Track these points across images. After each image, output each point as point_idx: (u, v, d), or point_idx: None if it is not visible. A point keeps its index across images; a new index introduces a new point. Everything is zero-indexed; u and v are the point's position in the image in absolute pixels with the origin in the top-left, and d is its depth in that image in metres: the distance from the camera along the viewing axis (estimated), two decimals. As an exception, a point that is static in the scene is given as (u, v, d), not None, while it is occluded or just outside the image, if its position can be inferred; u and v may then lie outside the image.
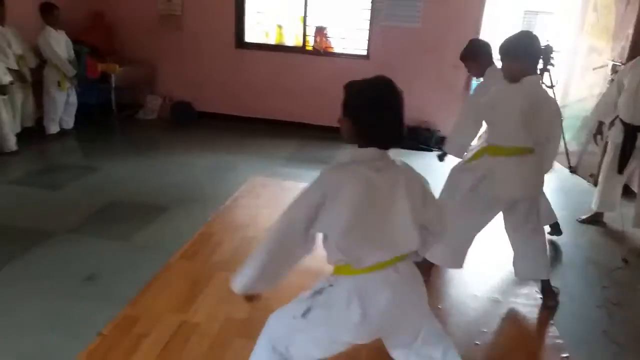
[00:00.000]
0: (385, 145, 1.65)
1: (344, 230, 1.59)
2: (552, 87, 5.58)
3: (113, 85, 5.96)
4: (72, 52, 5.54)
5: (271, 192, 4.49)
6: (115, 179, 4.60)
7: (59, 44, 5.37)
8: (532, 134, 2.68)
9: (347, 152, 1.66)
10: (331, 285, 1.73)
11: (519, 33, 2.82)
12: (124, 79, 6.14)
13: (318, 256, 3.33)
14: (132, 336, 2.49)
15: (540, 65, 4.27)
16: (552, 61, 5.41)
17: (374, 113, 1.59)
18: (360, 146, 1.65)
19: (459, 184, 2.91)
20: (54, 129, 5.51)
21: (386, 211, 1.62)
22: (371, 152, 1.63)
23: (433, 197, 1.77)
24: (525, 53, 2.71)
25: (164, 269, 3.10)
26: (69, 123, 5.69)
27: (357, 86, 1.63)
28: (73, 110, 5.68)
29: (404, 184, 1.63)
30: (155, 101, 6.71)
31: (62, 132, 5.62)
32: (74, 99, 5.63)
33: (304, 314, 1.74)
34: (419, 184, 1.70)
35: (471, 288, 3.15)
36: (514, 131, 2.69)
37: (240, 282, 1.81)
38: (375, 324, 1.67)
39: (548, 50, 5.27)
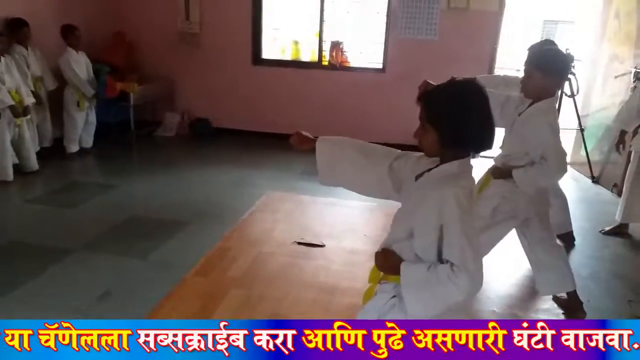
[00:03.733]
0: (482, 149, 1.59)
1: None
2: (572, 96, 5.48)
3: (132, 103, 6.04)
4: (91, 73, 5.64)
5: (287, 207, 4.48)
6: (134, 196, 4.65)
7: (80, 65, 5.48)
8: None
9: (455, 163, 1.57)
10: (397, 296, 1.64)
11: (553, 47, 2.76)
12: (142, 97, 6.23)
13: (333, 272, 3.33)
14: (146, 354, 2.48)
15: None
16: (572, 70, 5.32)
17: (470, 118, 1.52)
18: (455, 155, 1.57)
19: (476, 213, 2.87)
20: (74, 148, 5.60)
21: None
22: (470, 160, 1.60)
23: None
24: (559, 71, 2.67)
25: (178, 286, 3.10)
26: (89, 142, 5.78)
27: (443, 93, 1.57)
28: (92, 129, 5.77)
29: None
30: (173, 118, 6.79)
31: (82, 151, 5.71)
32: (93, 118, 5.72)
33: None
34: None
35: (491, 303, 3.07)
36: (521, 152, 2.71)
37: (322, 139, 1.88)
38: None
39: (569, 60, 5.19)
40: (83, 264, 3.33)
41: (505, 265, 3.51)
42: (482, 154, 1.62)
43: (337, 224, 4.19)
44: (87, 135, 5.75)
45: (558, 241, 3.20)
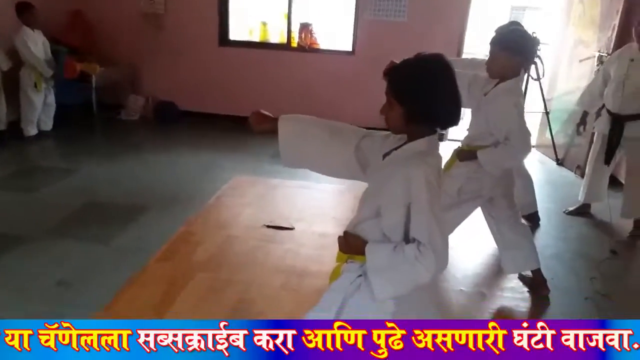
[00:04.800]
0: (449, 125, 1.56)
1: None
2: (538, 79, 5.53)
3: (94, 85, 5.83)
4: (49, 53, 5.41)
5: (256, 191, 4.41)
6: (95, 180, 4.50)
7: (36, 44, 5.24)
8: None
9: (422, 141, 1.53)
10: (363, 275, 1.60)
11: (518, 28, 2.75)
12: (104, 78, 6.02)
13: (303, 256, 3.29)
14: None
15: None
16: (538, 53, 5.36)
17: (437, 92, 1.48)
18: (422, 132, 1.54)
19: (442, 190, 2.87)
20: (32, 131, 5.38)
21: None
22: (437, 137, 1.56)
23: None
24: (524, 52, 2.66)
25: (140, 272, 3.01)
26: (48, 124, 5.56)
27: (409, 68, 1.52)
28: (51, 111, 5.55)
29: None
30: (137, 101, 6.58)
31: (41, 134, 5.49)
32: (51, 100, 5.50)
33: (337, 314, 1.60)
34: None
35: (457, 283, 3.09)
36: (485, 133, 2.72)
37: (285, 117, 1.82)
38: (404, 313, 1.58)
39: (535, 42, 5.23)
40: (40, 252, 3.20)
41: (472, 245, 3.54)
42: (450, 137, 1.59)
43: (307, 207, 4.14)
44: (47, 117, 5.52)
45: (523, 221, 3.24)
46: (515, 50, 2.63)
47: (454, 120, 1.54)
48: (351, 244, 1.60)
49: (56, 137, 5.62)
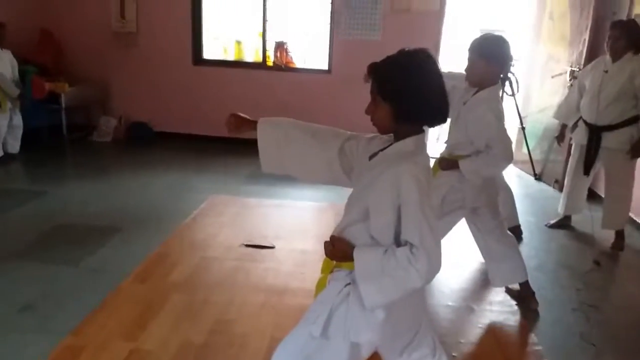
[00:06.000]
0: (437, 122, 1.50)
1: None
2: (513, 95, 5.58)
3: (63, 105, 5.66)
4: (16, 72, 5.23)
5: (233, 211, 4.27)
6: (65, 202, 4.30)
7: (3, 63, 5.07)
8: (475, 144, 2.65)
9: (410, 141, 1.47)
10: (352, 283, 1.50)
11: (495, 35, 2.74)
12: (74, 99, 5.86)
13: (283, 274, 3.17)
14: (75, 369, 2.22)
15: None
16: (512, 70, 5.42)
17: (423, 87, 1.43)
18: (409, 131, 1.48)
19: None
20: None
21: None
22: (424, 137, 1.50)
23: None
24: (501, 57, 2.64)
25: (113, 294, 2.84)
26: (15, 147, 5.34)
27: (393, 64, 1.45)
28: (19, 133, 5.34)
29: None
30: (109, 122, 6.41)
31: (8, 157, 5.26)
32: (18, 121, 5.29)
33: (325, 326, 1.49)
34: None
35: (444, 298, 3.01)
36: (466, 142, 2.67)
37: (264, 120, 1.74)
38: (394, 322, 1.51)
39: (510, 49, 5.30)
40: (5, 275, 2.99)
41: (457, 258, 3.47)
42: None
43: (285, 225, 4.03)
44: (13, 139, 5.31)
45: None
46: (492, 57, 2.61)
47: (442, 116, 1.49)
48: (338, 249, 1.51)
49: (24, 160, 5.40)
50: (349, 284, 1.49)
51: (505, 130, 2.66)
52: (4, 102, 5.05)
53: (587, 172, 3.91)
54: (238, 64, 6.54)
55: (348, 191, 1.64)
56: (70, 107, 5.81)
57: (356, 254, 1.44)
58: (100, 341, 2.40)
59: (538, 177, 5.63)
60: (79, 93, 5.94)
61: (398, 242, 1.42)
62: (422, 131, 1.51)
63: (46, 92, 5.50)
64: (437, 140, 6.75)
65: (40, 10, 6.15)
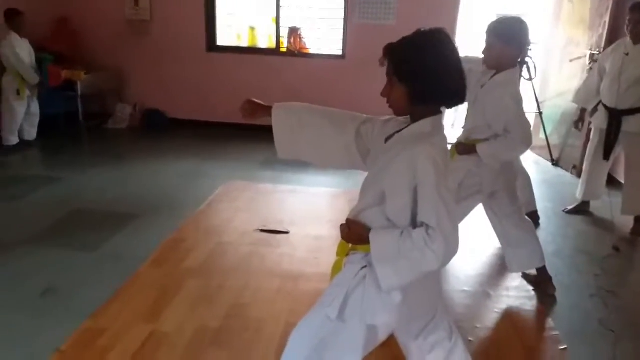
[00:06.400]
0: (454, 103, 1.48)
1: None
2: (530, 79, 5.49)
3: (79, 93, 5.70)
4: (34, 60, 5.28)
5: (248, 196, 4.28)
6: (82, 188, 4.35)
7: (23, 51, 5.13)
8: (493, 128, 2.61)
9: (427, 122, 1.45)
10: (368, 266, 1.49)
11: (513, 17, 2.68)
12: (90, 86, 5.89)
13: (298, 260, 3.17)
14: (95, 350, 2.26)
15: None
16: (529, 53, 5.32)
17: (440, 67, 1.40)
18: (426, 112, 1.45)
19: None
20: (13, 140, 5.22)
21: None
22: (443, 116, 1.48)
23: None
24: (519, 39, 2.59)
25: (131, 278, 2.87)
26: (32, 134, 5.41)
27: (409, 44, 1.43)
28: (35, 120, 5.40)
29: None
30: (124, 109, 6.46)
31: (24, 144, 5.33)
32: (35, 108, 5.35)
33: (341, 309, 1.48)
34: None
35: (460, 283, 2.99)
36: (483, 126, 2.64)
37: (278, 106, 1.73)
38: (411, 305, 1.50)
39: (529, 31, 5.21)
40: (25, 260, 3.05)
41: (473, 244, 3.44)
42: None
43: (300, 211, 4.03)
44: (30, 126, 5.37)
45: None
46: (510, 38, 2.56)
47: (460, 96, 1.46)
48: (354, 232, 1.50)
49: (40, 147, 5.46)
50: (365, 266, 1.49)
51: (523, 113, 2.61)
52: (22, 89, 5.10)
53: (606, 157, 3.84)
54: (251, 50, 6.52)
55: (362, 177, 1.62)
56: (86, 95, 5.85)
57: (372, 236, 1.43)
58: (119, 324, 2.43)
59: (555, 163, 5.55)
60: (94, 81, 5.98)
61: (415, 225, 1.40)
62: (440, 112, 1.49)
63: (62, 80, 5.55)
64: (452, 126, 6.68)
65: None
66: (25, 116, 5.26)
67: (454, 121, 6.88)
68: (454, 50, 1.43)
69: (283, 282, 2.95)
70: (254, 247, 3.36)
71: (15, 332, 2.36)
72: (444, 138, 1.49)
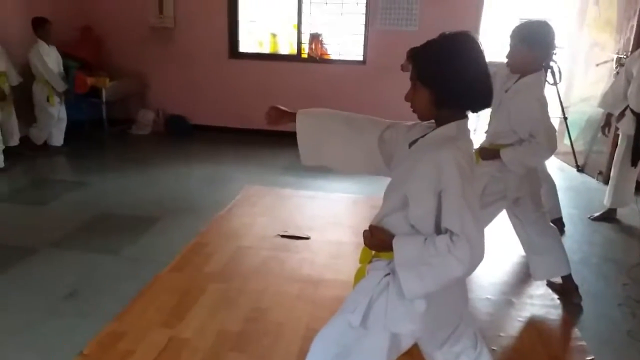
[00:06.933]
0: (479, 107, 1.46)
1: None
2: (555, 84, 5.40)
3: (104, 99, 5.81)
4: (61, 68, 5.40)
5: (268, 201, 4.30)
6: (106, 193, 4.42)
7: (50, 58, 5.24)
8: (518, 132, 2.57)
9: (452, 126, 1.42)
10: (391, 273, 1.47)
11: (538, 20, 2.64)
12: (115, 93, 6.00)
13: (318, 265, 3.16)
14: (117, 354, 2.28)
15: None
16: (554, 58, 5.24)
17: (466, 71, 1.38)
18: (451, 116, 1.43)
19: None
20: (41, 138, 5.37)
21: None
22: (468, 120, 1.46)
23: None
24: (544, 43, 2.55)
25: (152, 282, 2.89)
26: (59, 139, 5.51)
27: (434, 48, 1.41)
28: (63, 126, 5.51)
29: None
30: (148, 115, 6.54)
31: (52, 149, 5.45)
32: (63, 114, 5.46)
33: (365, 316, 1.47)
34: None
35: (483, 291, 2.94)
36: (508, 131, 2.60)
37: (302, 112, 1.73)
38: (435, 313, 1.47)
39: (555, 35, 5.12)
40: (49, 263, 3.10)
41: (496, 251, 3.38)
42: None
43: (320, 216, 4.02)
44: (58, 132, 5.48)
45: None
46: (534, 42, 2.52)
47: (486, 101, 1.44)
48: (377, 238, 1.48)
49: (67, 152, 5.57)
50: (389, 274, 1.47)
51: (549, 118, 2.57)
52: (52, 96, 5.22)
53: (634, 163, 3.75)
54: (273, 57, 6.56)
55: (384, 183, 1.61)
56: (110, 101, 5.95)
57: (395, 243, 1.41)
58: (140, 328, 2.46)
59: (581, 169, 5.44)
60: (118, 87, 6.08)
61: (439, 231, 1.38)
62: (465, 116, 1.46)
63: (88, 87, 5.65)
64: (474, 131, 6.60)
65: (82, 8, 6.32)
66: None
67: (476, 127, 6.80)
68: (479, 54, 1.41)
69: (303, 287, 2.94)
70: (274, 252, 3.36)
71: (39, 335, 2.40)
72: (470, 142, 1.46)
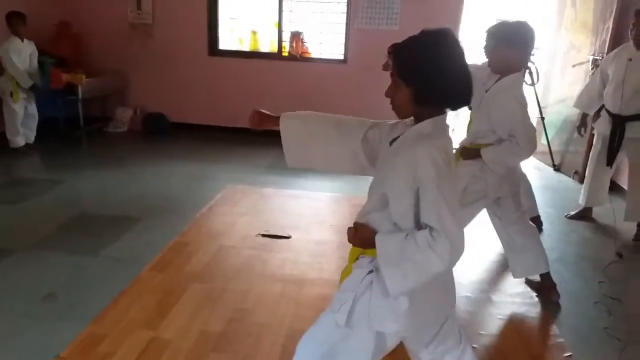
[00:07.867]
0: (459, 105, 1.45)
1: None
2: (533, 85, 5.49)
3: (80, 96, 5.69)
4: (35, 63, 5.27)
5: (250, 200, 4.27)
6: (83, 192, 4.34)
7: (23, 54, 5.12)
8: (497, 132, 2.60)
9: (427, 123, 1.42)
10: (375, 270, 1.47)
11: (519, 21, 2.67)
12: (91, 90, 5.88)
13: (300, 264, 3.16)
14: (96, 356, 2.24)
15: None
16: (532, 59, 5.32)
17: (445, 68, 1.37)
18: (430, 114, 1.42)
19: None
20: (18, 141, 5.22)
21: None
22: (446, 117, 1.45)
23: None
24: (525, 43, 2.58)
25: (132, 283, 2.85)
26: (30, 137, 5.38)
27: (414, 44, 1.40)
28: (34, 123, 5.38)
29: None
30: (125, 113, 6.45)
31: (24, 146, 5.32)
32: (33, 111, 5.33)
33: (349, 315, 1.47)
34: None
35: (463, 289, 2.97)
36: (488, 130, 2.63)
37: (286, 115, 1.73)
38: (419, 311, 1.47)
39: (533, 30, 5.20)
40: (26, 265, 3.03)
41: (475, 250, 3.43)
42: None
43: (303, 215, 4.02)
44: (29, 129, 5.35)
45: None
46: (514, 41, 2.55)
47: (465, 98, 1.44)
48: (361, 234, 1.49)
49: (41, 150, 5.45)
50: (372, 271, 1.47)
51: (528, 118, 2.60)
52: (16, 92, 5.09)
53: (610, 163, 3.83)
54: (253, 55, 6.52)
55: (366, 182, 1.61)
56: (86, 98, 5.84)
57: (377, 239, 1.42)
58: (121, 330, 2.42)
59: (557, 168, 5.55)
60: (95, 84, 5.97)
61: (420, 227, 1.39)
62: (444, 113, 1.46)
63: (64, 83, 5.54)
64: (452, 131, 6.63)
65: (59, 3, 6.19)
66: (22, 119, 5.24)
67: (454, 126, 6.86)
68: (459, 51, 1.40)
69: (286, 287, 2.93)
70: (257, 251, 3.34)
71: (17, 337, 2.34)
72: (448, 139, 1.45)
